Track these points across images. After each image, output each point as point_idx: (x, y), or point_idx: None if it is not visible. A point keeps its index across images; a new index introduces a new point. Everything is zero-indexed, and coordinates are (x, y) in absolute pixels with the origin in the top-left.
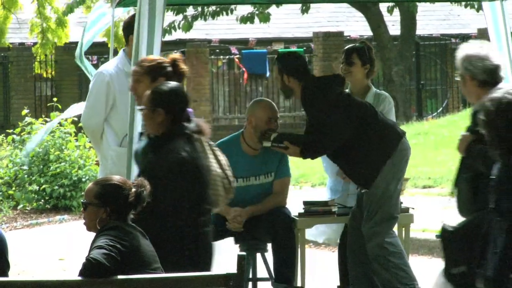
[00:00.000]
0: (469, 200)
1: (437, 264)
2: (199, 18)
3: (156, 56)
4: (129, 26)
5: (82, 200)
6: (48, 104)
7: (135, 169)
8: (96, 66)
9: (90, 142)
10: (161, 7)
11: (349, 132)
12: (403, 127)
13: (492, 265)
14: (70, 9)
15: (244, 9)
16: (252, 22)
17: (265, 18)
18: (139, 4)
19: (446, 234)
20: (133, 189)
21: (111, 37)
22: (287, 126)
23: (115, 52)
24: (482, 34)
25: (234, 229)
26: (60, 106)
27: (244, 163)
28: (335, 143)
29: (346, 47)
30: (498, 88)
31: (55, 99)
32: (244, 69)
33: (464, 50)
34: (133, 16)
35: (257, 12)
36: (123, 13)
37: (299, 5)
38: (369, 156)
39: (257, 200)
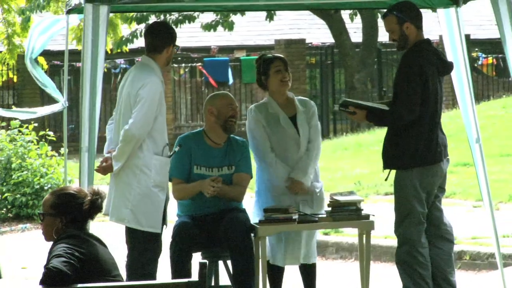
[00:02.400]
0: None
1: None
2: None
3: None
4: (148, 33)
5: (38, 211)
6: None
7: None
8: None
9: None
10: (104, 15)
11: (418, 111)
12: (365, 135)
13: None
14: (26, 18)
15: (208, 17)
16: (215, 29)
17: (229, 26)
18: (84, 12)
19: None
20: (88, 197)
21: (65, 44)
22: None
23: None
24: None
25: (210, 194)
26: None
27: (208, 154)
28: (402, 119)
29: (266, 57)
30: None
31: (13, 107)
32: (208, 75)
33: None
34: (156, 23)
35: (220, 20)
36: (78, 20)
37: (261, 13)
38: (413, 147)
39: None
